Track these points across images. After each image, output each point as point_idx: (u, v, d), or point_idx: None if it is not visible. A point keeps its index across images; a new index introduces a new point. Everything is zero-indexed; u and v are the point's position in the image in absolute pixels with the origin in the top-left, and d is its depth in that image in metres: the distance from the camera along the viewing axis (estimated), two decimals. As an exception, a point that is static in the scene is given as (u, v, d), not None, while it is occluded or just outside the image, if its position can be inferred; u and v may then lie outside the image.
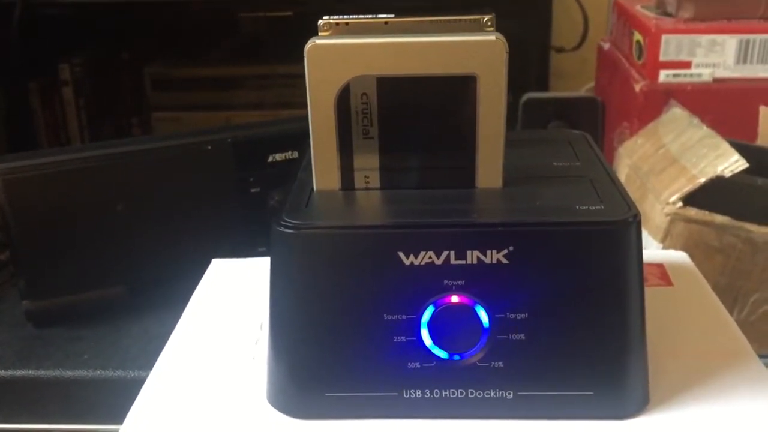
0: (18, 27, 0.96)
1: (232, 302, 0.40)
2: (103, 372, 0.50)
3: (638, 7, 0.83)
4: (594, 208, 0.30)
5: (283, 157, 0.57)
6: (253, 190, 0.57)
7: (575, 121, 0.85)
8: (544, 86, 1.04)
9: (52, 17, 1.05)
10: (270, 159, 0.57)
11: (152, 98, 1.10)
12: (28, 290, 0.53)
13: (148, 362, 0.36)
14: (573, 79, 1.10)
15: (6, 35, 0.96)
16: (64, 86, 1.05)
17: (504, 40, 0.31)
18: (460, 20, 0.32)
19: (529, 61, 1.02)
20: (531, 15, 1.01)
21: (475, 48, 0.30)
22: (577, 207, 0.30)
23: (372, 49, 0.31)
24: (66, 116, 1.07)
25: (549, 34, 1.04)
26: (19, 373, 0.50)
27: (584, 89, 1.05)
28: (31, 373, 0.50)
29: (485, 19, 0.32)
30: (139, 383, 0.34)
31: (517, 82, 0.98)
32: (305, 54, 0.31)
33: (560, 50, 1.07)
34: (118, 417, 0.32)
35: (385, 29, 0.32)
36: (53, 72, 1.04)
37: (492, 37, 0.30)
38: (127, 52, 1.10)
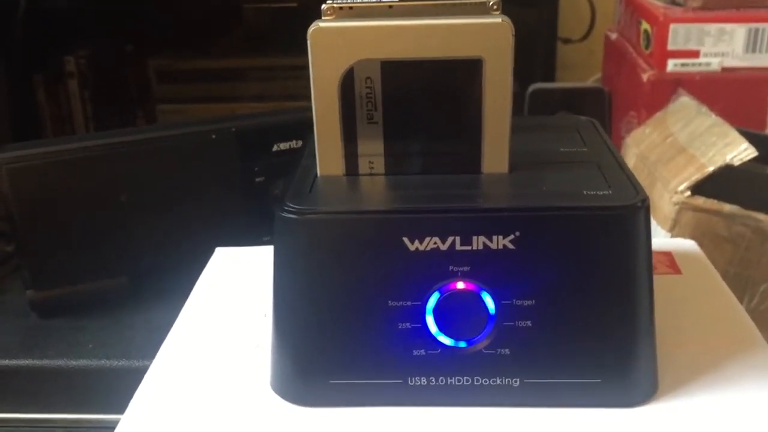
0: (23, 19, 0.96)
1: (235, 290, 0.40)
2: (107, 362, 0.50)
3: (646, -4, 0.82)
4: (602, 193, 0.30)
5: (288, 146, 0.57)
6: (257, 180, 0.56)
7: (582, 111, 0.84)
8: (551, 77, 1.03)
9: (56, 9, 1.04)
10: (274, 148, 0.57)
11: (157, 90, 1.10)
12: (32, 280, 0.53)
13: (152, 352, 0.36)
14: (580, 71, 1.10)
15: (11, 27, 0.96)
16: (69, 79, 1.05)
17: (510, 22, 0.30)
18: (465, 3, 0.31)
19: (535, 52, 1.01)
20: (538, 6, 1.00)
21: (481, 31, 0.30)
22: (585, 192, 0.30)
23: (376, 32, 0.30)
24: (71, 108, 1.07)
25: (556, 25, 1.03)
26: (23, 362, 0.50)
27: (591, 81, 1.05)
28: (35, 362, 0.50)
29: (491, 3, 0.31)
30: (143, 373, 0.34)
31: (523, 73, 0.97)
32: (308, 37, 0.30)
33: (567, 41, 1.06)
34: (122, 407, 0.32)
35: (390, 13, 0.31)
36: (58, 64, 1.04)
37: (498, 20, 0.30)
38: (131, 44, 1.10)
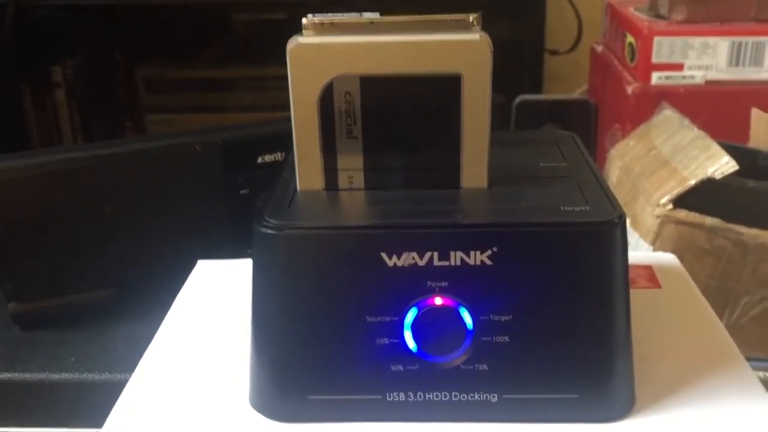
0: (10, 29, 0.96)
1: (217, 304, 0.40)
2: (89, 375, 0.49)
3: (631, 10, 0.83)
4: (579, 208, 0.30)
5: (273, 159, 0.57)
6: (242, 192, 0.56)
7: (568, 123, 0.85)
8: (538, 89, 1.04)
9: (44, 19, 1.04)
10: (259, 160, 0.57)
11: (145, 100, 1.10)
12: (14, 292, 0.53)
13: (135, 365, 0.35)
14: (567, 82, 1.10)
15: (-2, 37, 0.96)
16: (57, 88, 1.05)
17: (488, 39, 0.30)
18: (445, 20, 0.32)
19: (522, 64, 1.02)
20: (525, 18, 1.01)
21: (459, 47, 0.30)
22: (562, 207, 0.30)
23: (355, 48, 0.30)
24: (59, 119, 1.06)
25: (543, 36, 1.03)
26: (4, 376, 0.50)
27: (578, 92, 1.05)
28: (17, 376, 0.50)
29: (471, 18, 0.31)
30: (125, 386, 0.34)
31: (510, 85, 0.98)
32: (287, 52, 0.30)
33: (554, 53, 1.07)
34: (104, 420, 0.32)
35: (370, 28, 0.31)
36: (46, 74, 1.04)
37: (476, 36, 0.30)
38: (120, 54, 1.10)
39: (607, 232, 0.29)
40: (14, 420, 0.50)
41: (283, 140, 0.57)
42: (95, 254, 0.54)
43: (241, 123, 0.60)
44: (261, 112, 1.06)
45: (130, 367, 0.37)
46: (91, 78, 1.08)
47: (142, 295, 0.54)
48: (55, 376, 0.50)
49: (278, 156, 0.57)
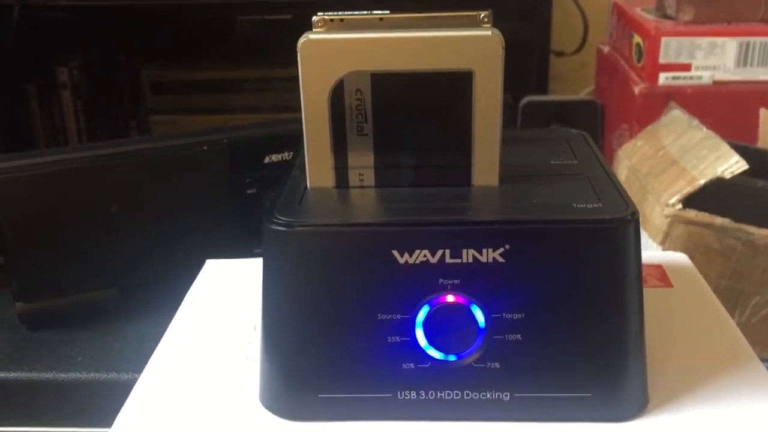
0: (16, 29, 0.96)
1: (225, 303, 0.40)
2: (96, 374, 0.49)
3: (638, 10, 0.83)
4: (592, 206, 0.30)
5: (280, 158, 0.57)
6: (249, 191, 0.56)
7: (575, 124, 0.85)
8: (544, 90, 1.04)
9: (50, 19, 1.05)
10: (266, 160, 0.56)
11: (150, 101, 1.10)
12: (21, 292, 0.53)
13: (142, 364, 0.35)
14: (573, 83, 1.10)
15: (3, 37, 0.96)
16: (62, 89, 1.05)
17: (500, 35, 0.30)
18: (456, 16, 0.31)
19: (529, 65, 1.02)
20: (531, 19, 1.00)
21: (471, 43, 0.30)
22: (575, 205, 0.30)
23: (366, 44, 0.30)
24: (64, 119, 1.06)
25: (549, 38, 1.03)
26: (11, 375, 0.50)
27: (584, 93, 1.05)
28: (24, 375, 0.50)
29: (482, 15, 0.31)
30: (132, 385, 0.34)
31: (517, 86, 0.97)
32: (298, 49, 0.30)
33: (560, 54, 1.07)
34: (112, 419, 0.32)
35: (380, 25, 0.31)
36: (51, 74, 1.04)
37: (488, 32, 0.30)
38: (125, 54, 1.10)
39: (620, 229, 0.29)
40: (22, 419, 0.50)
41: (290, 140, 0.57)
42: (102, 254, 0.53)
43: (248, 123, 0.60)
44: (266, 113, 1.06)
45: (137, 367, 0.37)
46: (97, 79, 1.08)
47: (148, 294, 0.54)
48: (63, 376, 0.50)
49: (285, 155, 0.57)
